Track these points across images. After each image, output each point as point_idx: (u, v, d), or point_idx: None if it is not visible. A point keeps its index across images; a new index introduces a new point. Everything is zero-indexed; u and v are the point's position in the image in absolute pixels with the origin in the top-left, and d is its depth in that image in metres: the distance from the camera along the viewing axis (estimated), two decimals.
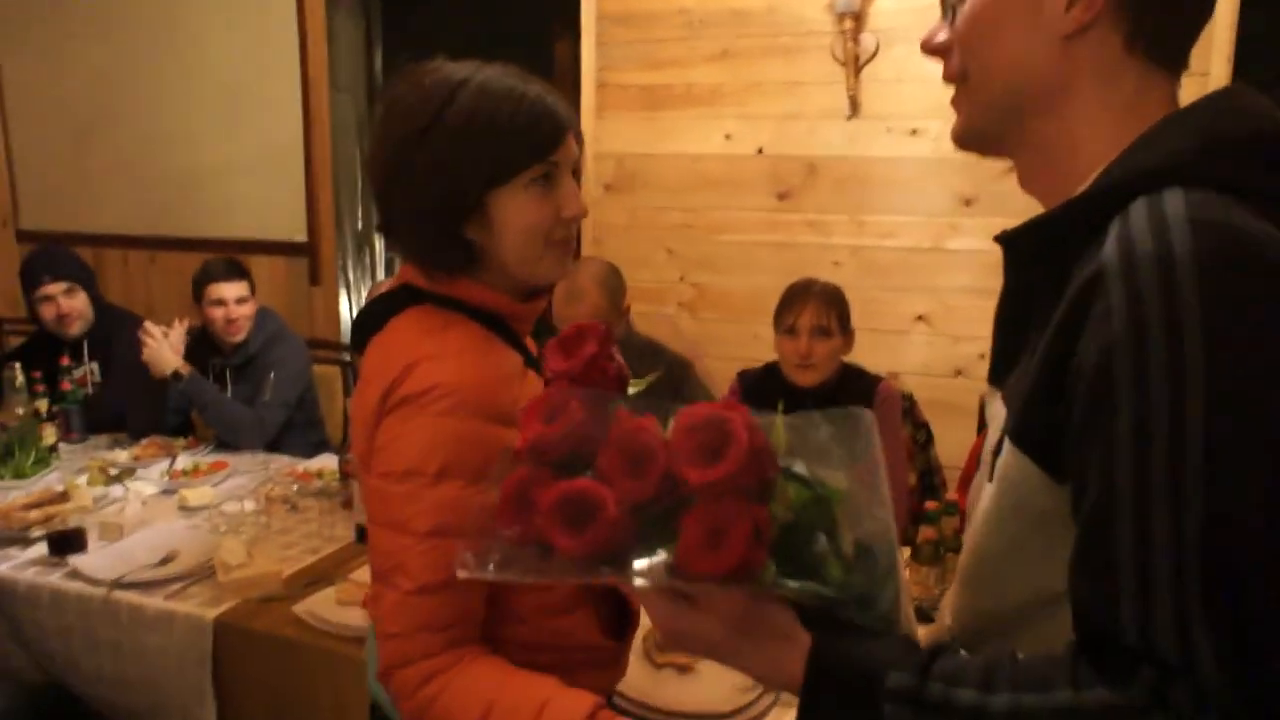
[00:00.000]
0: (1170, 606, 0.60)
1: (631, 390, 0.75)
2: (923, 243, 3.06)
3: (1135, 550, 0.61)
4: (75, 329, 3.12)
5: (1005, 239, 0.78)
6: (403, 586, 1.03)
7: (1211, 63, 2.63)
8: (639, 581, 0.62)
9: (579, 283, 2.47)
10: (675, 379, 2.55)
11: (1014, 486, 0.73)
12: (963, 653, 0.70)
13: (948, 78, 0.82)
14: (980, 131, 0.82)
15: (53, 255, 3.20)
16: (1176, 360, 0.60)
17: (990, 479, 0.77)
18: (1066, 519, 0.68)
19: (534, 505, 0.64)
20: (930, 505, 1.91)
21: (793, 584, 0.61)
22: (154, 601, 1.94)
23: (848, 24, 2.97)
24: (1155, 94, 0.75)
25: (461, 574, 0.68)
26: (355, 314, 1.18)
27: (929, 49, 0.83)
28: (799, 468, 0.64)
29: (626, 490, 0.61)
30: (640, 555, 0.61)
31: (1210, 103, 0.73)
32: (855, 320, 2.38)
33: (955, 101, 0.83)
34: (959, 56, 0.80)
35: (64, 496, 2.36)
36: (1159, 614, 0.60)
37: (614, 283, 2.55)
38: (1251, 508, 0.60)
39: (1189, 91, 0.77)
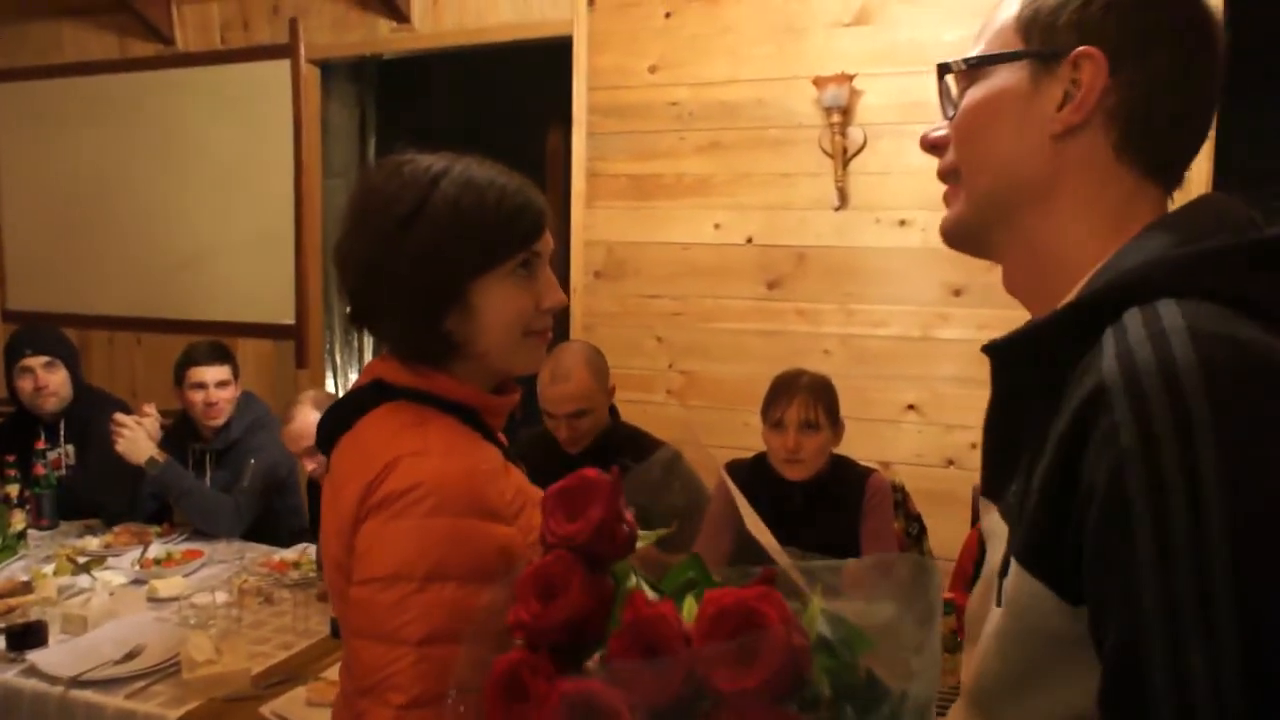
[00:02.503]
0: None
1: (640, 544, 0.68)
2: (912, 332, 3.06)
3: (1172, 688, 0.56)
4: (51, 405, 3.07)
5: (993, 349, 0.76)
6: (394, 702, 0.96)
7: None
8: None
9: (564, 363, 2.43)
10: (666, 473, 2.48)
11: (1025, 611, 0.68)
12: None
13: (941, 174, 0.82)
14: (969, 227, 0.81)
15: (37, 330, 3.24)
16: (1192, 474, 0.57)
17: (998, 603, 0.72)
18: (1084, 641, 0.64)
19: (530, 697, 0.58)
20: None
21: None
22: (114, 701, 1.85)
23: (835, 118, 3.02)
24: (1144, 205, 0.74)
25: None
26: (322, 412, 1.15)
27: (927, 144, 0.83)
28: (823, 627, 0.58)
29: (643, 693, 0.54)
30: None
31: (1192, 211, 0.72)
32: (845, 409, 2.35)
33: (946, 197, 0.82)
34: (953, 152, 0.80)
35: (27, 587, 2.28)
36: None
37: (599, 363, 2.52)
38: None
39: None
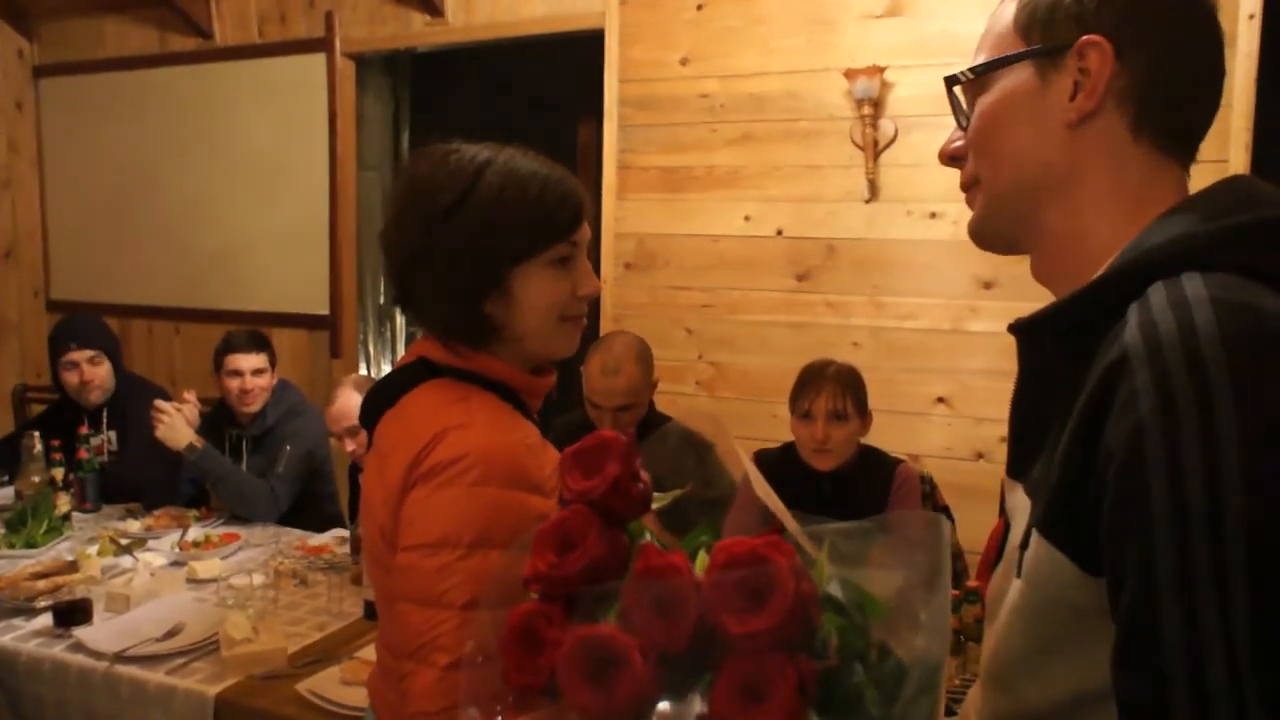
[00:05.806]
0: (1228, 706, 0.56)
1: (655, 505, 0.69)
2: (942, 324, 3.05)
3: (1184, 647, 0.58)
4: (96, 397, 3.14)
5: (1019, 327, 0.77)
6: (439, 663, 1.00)
7: (1230, 150, 2.64)
8: None
9: (615, 354, 2.46)
10: (696, 461, 2.50)
11: (1045, 581, 0.69)
12: None
13: (964, 185, 0.84)
14: (994, 226, 0.83)
15: (80, 323, 3.26)
16: (1209, 440, 0.58)
17: (1018, 574, 0.73)
18: (1103, 613, 0.65)
19: (544, 645, 0.59)
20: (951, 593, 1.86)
21: None
22: (156, 676, 1.91)
23: (866, 110, 3.02)
24: (1164, 183, 0.76)
25: None
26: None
27: (946, 157, 0.85)
28: (833, 588, 0.59)
29: (654, 639, 0.55)
30: (666, 701, 0.56)
31: (1219, 190, 0.73)
32: (874, 401, 2.35)
33: (970, 200, 0.84)
34: (972, 161, 0.82)
35: (73, 566, 2.34)
36: (1216, 714, 0.57)
37: (647, 356, 2.55)
38: None
39: (1208, 179, 0.77)
